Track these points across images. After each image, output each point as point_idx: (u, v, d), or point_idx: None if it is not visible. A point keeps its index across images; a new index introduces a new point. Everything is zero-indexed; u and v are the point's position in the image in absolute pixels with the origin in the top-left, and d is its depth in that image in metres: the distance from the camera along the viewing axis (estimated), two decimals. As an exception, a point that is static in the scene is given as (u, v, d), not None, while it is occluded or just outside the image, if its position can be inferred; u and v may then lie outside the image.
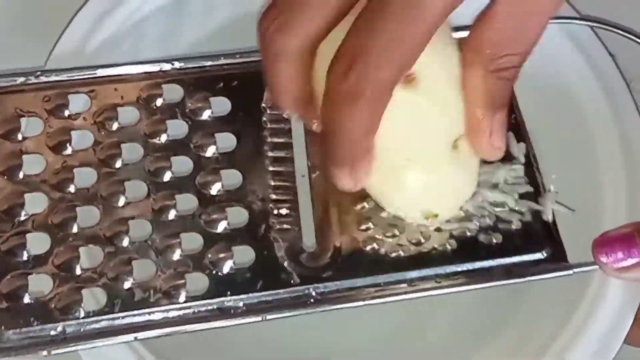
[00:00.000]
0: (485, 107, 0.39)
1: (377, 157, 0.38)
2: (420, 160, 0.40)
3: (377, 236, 0.44)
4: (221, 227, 0.43)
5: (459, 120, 0.40)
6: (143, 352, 0.43)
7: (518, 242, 0.44)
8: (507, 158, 0.45)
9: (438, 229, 0.44)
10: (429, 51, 0.36)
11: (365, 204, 0.44)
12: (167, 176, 0.44)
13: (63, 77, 0.46)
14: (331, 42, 0.37)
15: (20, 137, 0.44)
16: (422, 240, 0.43)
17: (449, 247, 0.43)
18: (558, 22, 0.50)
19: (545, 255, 0.44)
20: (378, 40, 0.35)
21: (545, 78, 0.50)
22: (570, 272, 0.43)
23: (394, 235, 0.44)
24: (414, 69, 0.37)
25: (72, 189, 0.43)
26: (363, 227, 0.44)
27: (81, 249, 0.42)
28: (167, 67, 0.47)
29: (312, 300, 0.42)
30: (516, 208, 0.44)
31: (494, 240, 0.44)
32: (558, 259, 0.44)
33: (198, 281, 0.42)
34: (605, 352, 0.44)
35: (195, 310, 0.41)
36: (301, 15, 0.36)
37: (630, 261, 0.42)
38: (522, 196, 0.45)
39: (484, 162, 0.44)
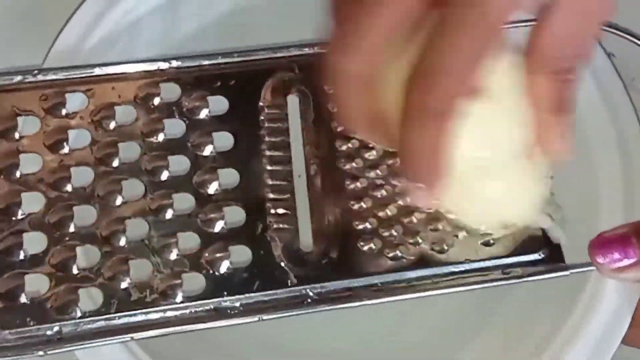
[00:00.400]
0: (554, 111, 0.39)
1: (451, 170, 0.38)
2: (495, 169, 0.39)
3: (374, 236, 0.44)
4: (218, 226, 0.43)
5: (529, 127, 0.39)
6: (141, 355, 0.43)
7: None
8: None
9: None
10: (494, 60, 0.36)
11: (362, 203, 0.44)
12: (164, 175, 0.44)
13: (60, 75, 0.46)
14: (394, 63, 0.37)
15: (17, 135, 0.44)
16: (420, 241, 0.44)
17: (446, 247, 0.43)
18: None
19: (542, 255, 0.44)
20: (441, 57, 0.34)
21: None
22: (567, 272, 0.43)
23: (391, 235, 0.44)
24: (480, 80, 0.37)
25: (69, 188, 0.43)
26: (360, 226, 0.44)
27: (78, 249, 0.42)
28: (164, 65, 0.47)
29: (309, 300, 0.42)
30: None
31: (491, 241, 0.44)
32: (555, 259, 0.44)
33: (195, 281, 0.42)
34: (602, 352, 0.44)
35: (192, 311, 0.41)
36: (368, 35, 0.36)
37: (626, 262, 0.42)
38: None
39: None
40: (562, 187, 0.45)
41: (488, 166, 0.38)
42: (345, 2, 0.36)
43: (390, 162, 0.45)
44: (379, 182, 0.45)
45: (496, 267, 0.43)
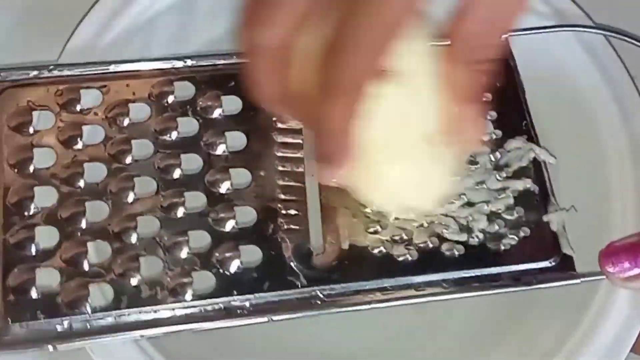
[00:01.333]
0: (464, 100, 0.39)
1: (359, 150, 0.38)
2: (397, 154, 0.39)
3: (385, 239, 0.44)
4: (229, 226, 0.43)
5: (435, 114, 0.39)
6: (152, 353, 0.43)
7: (527, 250, 0.44)
8: (521, 172, 0.46)
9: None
10: (406, 46, 0.36)
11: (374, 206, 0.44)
12: (176, 173, 0.44)
13: (75, 71, 0.46)
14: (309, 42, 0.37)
15: (31, 130, 0.44)
16: (430, 245, 0.44)
17: (456, 252, 0.43)
18: (572, 30, 0.50)
19: (553, 263, 0.44)
20: (350, 36, 0.35)
21: (558, 85, 0.51)
22: (578, 281, 0.43)
23: (402, 239, 0.44)
24: (392, 64, 0.37)
25: (81, 183, 0.43)
26: (371, 229, 0.44)
27: (89, 244, 0.42)
28: (179, 64, 0.47)
29: (318, 302, 0.42)
30: (524, 218, 0.45)
31: (502, 247, 0.44)
32: (566, 267, 0.44)
33: (205, 280, 0.42)
34: (611, 361, 0.44)
35: (202, 309, 0.41)
36: (277, 10, 0.36)
37: (636, 271, 0.42)
38: (532, 206, 0.45)
39: (497, 172, 0.46)
40: (575, 196, 0.46)
41: (391, 150, 0.39)
42: None
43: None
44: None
45: (507, 274, 0.43)
